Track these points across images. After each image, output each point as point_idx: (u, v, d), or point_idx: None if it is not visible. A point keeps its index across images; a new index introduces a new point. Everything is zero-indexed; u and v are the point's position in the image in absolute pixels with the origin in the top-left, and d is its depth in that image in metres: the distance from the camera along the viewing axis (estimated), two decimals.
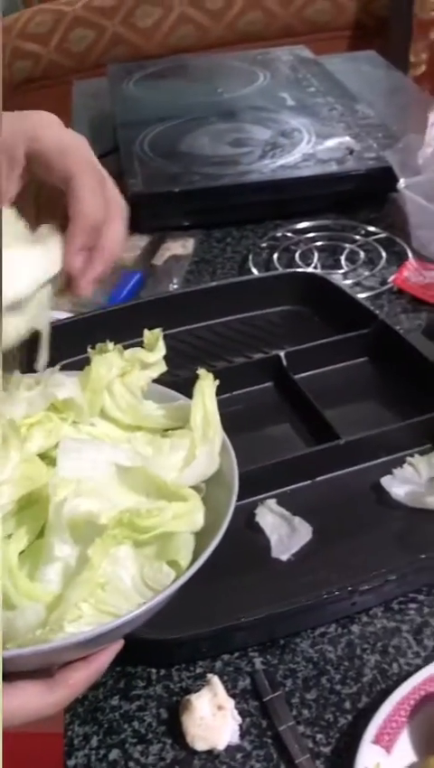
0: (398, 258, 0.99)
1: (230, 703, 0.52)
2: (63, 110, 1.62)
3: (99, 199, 0.47)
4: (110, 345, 0.56)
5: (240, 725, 0.52)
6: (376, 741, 0.48)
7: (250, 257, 1.02)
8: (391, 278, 0.95)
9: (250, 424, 0.78)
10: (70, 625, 0.40)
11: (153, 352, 0.57)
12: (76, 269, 0.47)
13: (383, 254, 1.00)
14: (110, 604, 0.42)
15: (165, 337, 0.91)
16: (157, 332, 0.58)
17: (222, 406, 0.78)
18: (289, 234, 1.06)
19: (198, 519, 0.47)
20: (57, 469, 0.46)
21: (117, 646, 0.46)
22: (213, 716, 0.51)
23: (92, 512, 0.43)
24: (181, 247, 1.06)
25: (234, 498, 0.48)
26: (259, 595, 0.59)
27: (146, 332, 0.58)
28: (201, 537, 0.47)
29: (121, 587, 0.42)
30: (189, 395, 0.53)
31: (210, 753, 0.51)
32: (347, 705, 0.54)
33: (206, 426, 0.51)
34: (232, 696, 0.54)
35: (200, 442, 0.51)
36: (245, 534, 0.65)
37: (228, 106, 1.29)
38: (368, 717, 0.51)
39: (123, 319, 0.86)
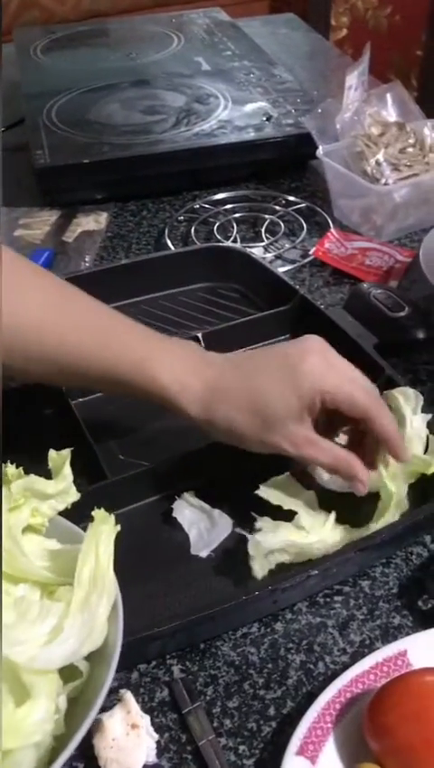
0: (320, 229, 0.96)
1: (145, 720, 0.49)
2: None
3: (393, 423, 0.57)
4: (11, 468, 0.47)
5: (158, 742, 0.49)
6: (300, 752, 0.45)
7: (167, 230, 0.97)
8: (312, 250, 0.91)
9: (164, 412, 0.73)
10: None
11: (56, 480, 0.48)
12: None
13: (304, 225, 0.96)
14: None
15: None
16: (66, 453, 0.49)
17: None
18: (207, 206, 1.01)
19: (34, 731, 0.38)
20: None
21: None
22: (127, 737, 0.47)
23: None
24: (93, 222, 1.00)
25: (107, 684, 0.42)
26: (178, 599, 0.56)
27: (51, 452, 0.50)
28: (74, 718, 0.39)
29: None
30: None
31: None
32: (271, 711, 0.51)
33: (92, 585, 0.43)
34: (150, 710, 0.51)
35: (77, 608, 0.42)
36: (163, 531, 0.61)
37: (140, 71, 1.23)
38: (293, 724, 0.48)
39: None
